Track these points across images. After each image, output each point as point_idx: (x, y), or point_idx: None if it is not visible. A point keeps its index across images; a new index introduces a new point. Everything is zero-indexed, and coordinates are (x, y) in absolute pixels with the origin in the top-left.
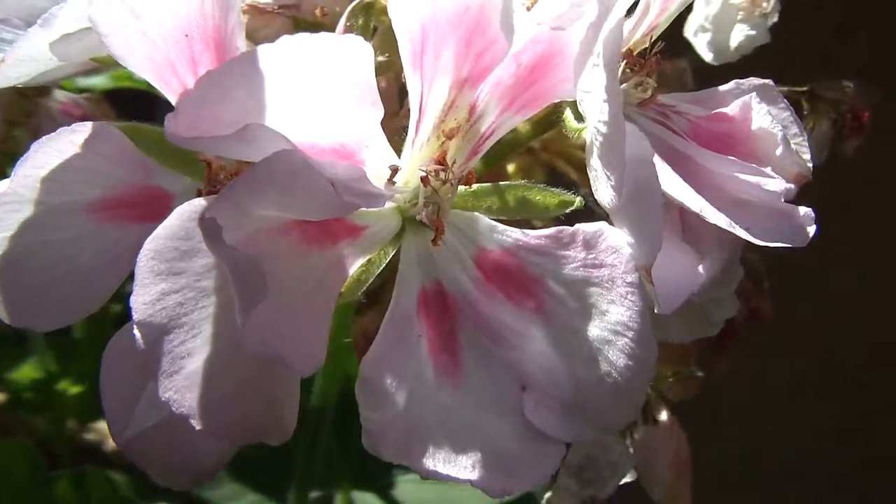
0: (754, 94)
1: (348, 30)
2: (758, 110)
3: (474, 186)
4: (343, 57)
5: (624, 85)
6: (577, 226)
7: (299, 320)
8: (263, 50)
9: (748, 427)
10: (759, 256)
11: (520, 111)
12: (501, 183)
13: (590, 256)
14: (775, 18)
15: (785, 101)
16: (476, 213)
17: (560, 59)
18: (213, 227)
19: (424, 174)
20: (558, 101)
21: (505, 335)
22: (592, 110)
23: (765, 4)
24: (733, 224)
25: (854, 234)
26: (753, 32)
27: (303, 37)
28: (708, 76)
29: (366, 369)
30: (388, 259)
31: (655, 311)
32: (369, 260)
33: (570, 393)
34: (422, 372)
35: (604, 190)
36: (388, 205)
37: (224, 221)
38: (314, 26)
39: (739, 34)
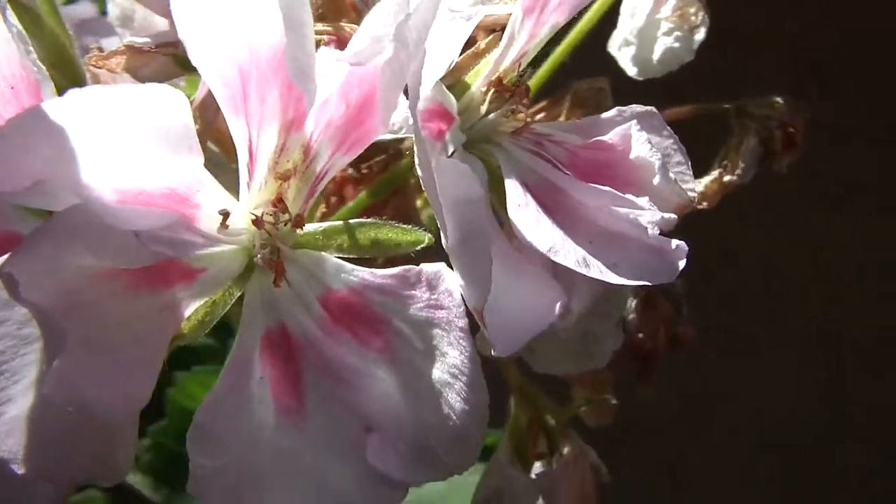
0: (634, 121)
1: None
2: (637, 138)
3: (324, 225)
4: (153, 106)
5: (492, 114)
6: (422, 265)
7: (121, 365)
8: (61, 102)
9: None
10: (680, 281)
11: (349, 150)
12: (352, 220)
13: (432, 297)
14: (702, 34)
15: (668, 128)
16: (323, 253)
17: None
18: (10, 280)
19: (255, 217)
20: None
21: (349, 376)
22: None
23: (693, 18)
24: (584, 263)
25: None
26: (677, 45)
27: (110, 88)
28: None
29: (200, 415)
30: (233, 300)
31: (492, 353)
32: (213, 301)
33: (414, 435)
34: (261, 416)
35: (441, 229)
36: (228, 247)
37: (23, 274)
38: None
39: (662, 47)
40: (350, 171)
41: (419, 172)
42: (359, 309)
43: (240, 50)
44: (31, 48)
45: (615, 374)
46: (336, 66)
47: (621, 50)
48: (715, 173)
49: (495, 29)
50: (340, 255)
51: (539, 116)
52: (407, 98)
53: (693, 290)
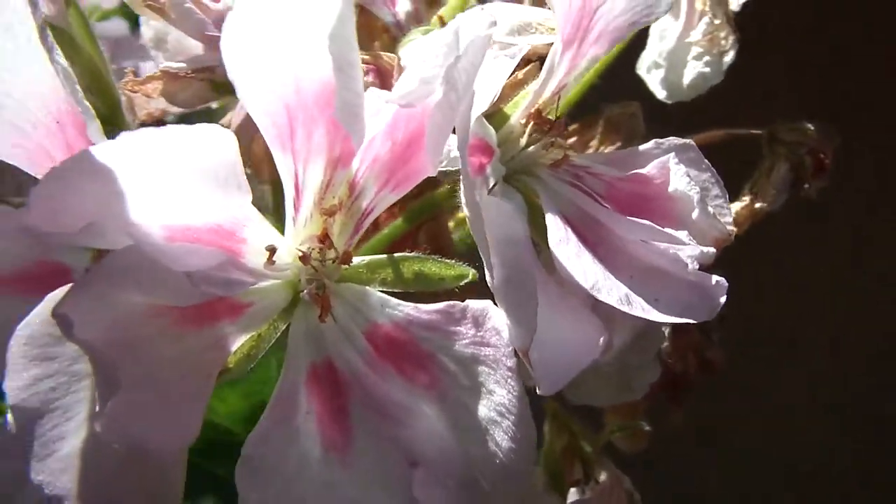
0: (673, 154)
1: None
2: (675, 171)
3: (368, 259)
4: (202, 147)
5: (532, 147)
6: (467, 302)
7: (171, 402)
8: (112, 144)
9: None
10: None
11: (396, 188)
12: (396, 255)
13: (478, 334)
14: (731, 57)
15: (705, 161)
16: (367, 288)
17: None
18: (65, 320)
19: (301, 253)
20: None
21: (395, 412)
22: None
23: (723, 42)
24: (627, 301)
25: None
26: (707, 70)
27: (160, 129)
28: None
29: (249, 447)
30: (278, 333)
31: (538, 392)
32: (258, 335)
33: (462, 469)
34: (308, 449)
35: (486, 268)
36: (274, 282)
37: (78, 313)
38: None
39: (693, 72)
40: None
41: (466, 211)
42: (404, 344)
43: (287, 88)
44: (78, 86)
45: (647, 400)
46: (384, 107)
47: (651, 72)
48: (745, 200)
49: (531, 59)
50: (385, 290)
51: (571, 140)
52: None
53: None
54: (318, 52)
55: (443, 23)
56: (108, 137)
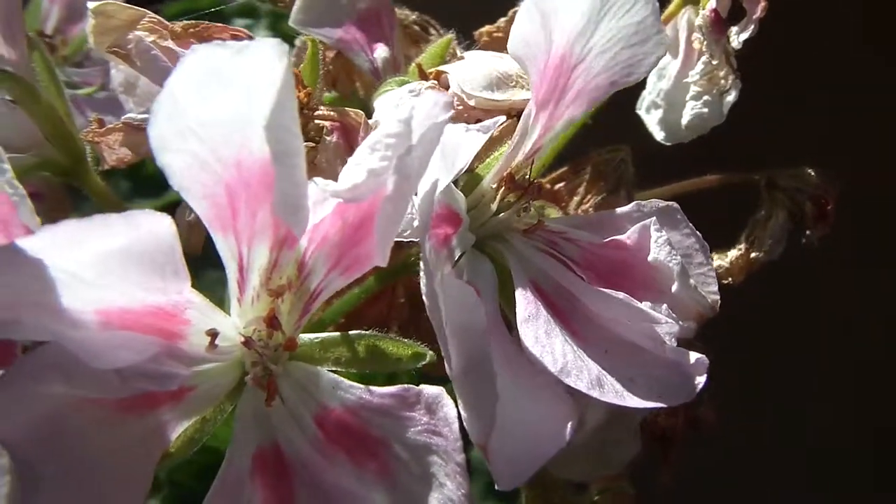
0: (654, 219)
1: None
2: (656, 239)
3: (321, 336)
4: (137, 233)
5: (502, 214)
6: (422, 386)
7: (105, 496)
8: (37, 237)
9: None
10: None
11: (346, 272)
12: (351, 332)
13: (431, 422)
14: (733, 96)
15: (689, 226)
16: (319, 368)
17: None
18: None
19: (245, 339)
20: None
21: (344, 500)
22: None
23: (723, 82)
24: (598, 384)
25: None
26: (705, 111)
27: (84, 221)
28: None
29: None
30: (224, 415)
31: (496, 487)
32: (203, 418)
33: None
34: None
35: (444, 355)
36: (219, 364)
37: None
38: None
39: (691, 112)
40: None
41: (424, 298)
42: (355, 429)
43: (229, 169)
44: (7, 166)
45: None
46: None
47: (650, 112)
48: (741, 248)
49: (510, 114)
50: (338, 370)
51: (559, 186)
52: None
53: None
54: (257, 135)
55: (421, 71)
56: (71, 187)
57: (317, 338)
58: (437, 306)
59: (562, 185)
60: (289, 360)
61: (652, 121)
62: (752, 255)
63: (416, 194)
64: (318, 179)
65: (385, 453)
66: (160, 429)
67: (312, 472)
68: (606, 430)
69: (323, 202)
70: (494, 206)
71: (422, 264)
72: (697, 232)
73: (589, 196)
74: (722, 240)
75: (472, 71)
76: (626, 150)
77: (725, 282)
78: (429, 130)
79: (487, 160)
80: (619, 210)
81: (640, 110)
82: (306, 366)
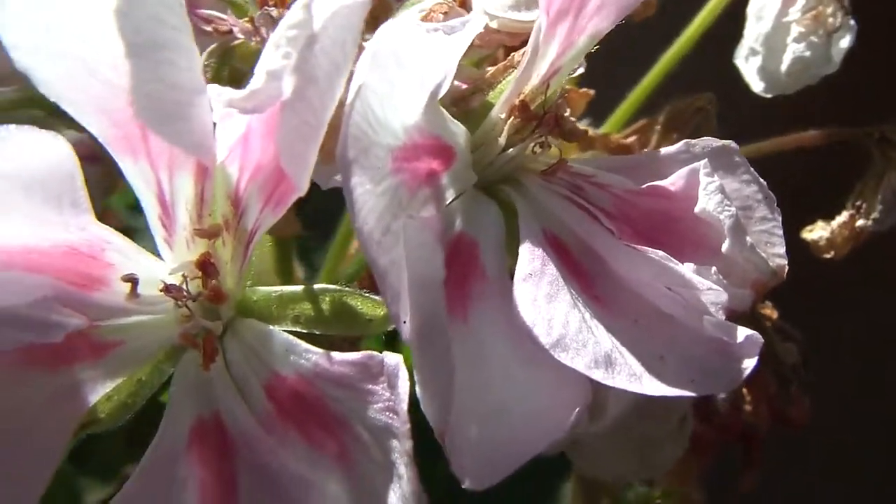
0: (705, 161)
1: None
2: (705, 185)
3: (280, 289)
4: (25, 153)
5: (511, 150)
6: (384, 354)
7: (10, 462)
8: None
9: None
10: (793, 345)
11: (277, 206)
12: (316, 286)
13: (391, 398)
14: (848, 41)
15: (750, 171)
16: (271, 328)
17: None
18: None
19: (165, 285)
20: None
21: (292, 488)
22: None
23: (831, 21)
24: (605, 363)
25: None
26: (808, 54)
27: None
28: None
29: None
30: (163, 378)
31: (463, 485)
32: (139, 380)
33: None
34: None
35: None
36: (150, 317)
37: None
38: None
39: (791, 57)
40: None
41: (363, 249)
42: (311, 402)
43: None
44: None
45: (705, 460)
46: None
47: (748, 61)
48: (845, 216)
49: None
50: (295, 331)
51: (631, 139)
52: None
53: None
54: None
55: None
56: None
57: (275, 291)
58: (370, 245)
59: (634, 139)
60: (239, 317)
61: (750, 70)
62: (859, 223)
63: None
64: (212, 87)
65: (344, 434)
66: (76, 388)
67: (258, 452)
68: (644, 423)
69: (233, 117)
70: (503, 141)
71: (349, 203)
72: (762, 180)
73: None
74: (824, 207)
75: None
76: (707, 98)
77: (828, 255)
78: (336, 15)
79: (499, 86)
80: (663, 150)
81: (738, 59)
82: (257, 324)
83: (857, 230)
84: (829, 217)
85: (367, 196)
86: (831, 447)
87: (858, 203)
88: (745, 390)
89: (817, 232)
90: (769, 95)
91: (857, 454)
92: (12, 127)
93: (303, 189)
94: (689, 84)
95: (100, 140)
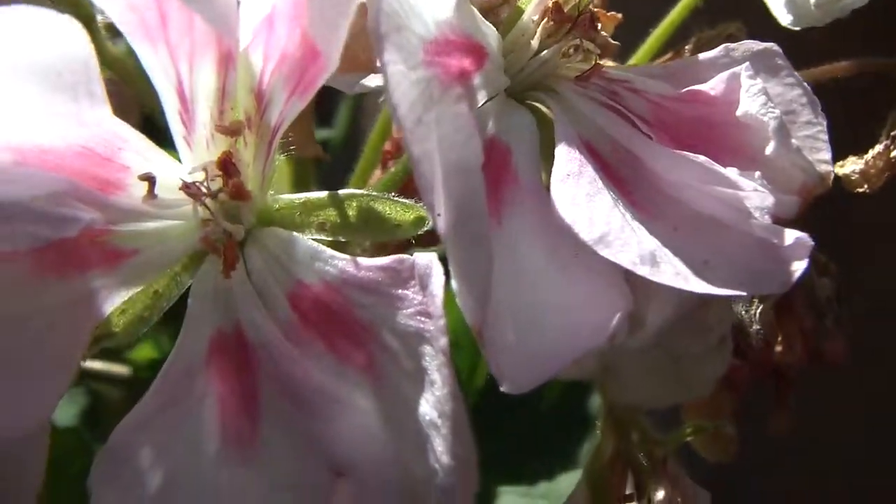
0: (746, 65)
1: None
2: (747, 87)
3: (304, 196)
4: (35, 35)
5: (545, 53)
6: (415, 255)
7: (20, 372)
8: None
9: None
10: (829, 280)
11: (304, 92)
12: (342, 192)
13: (423, 301)
14: None
15: (794, 74)
16: (295, 235)
17: None
18: None
19: (185, 184)
20: None
21: (317, 401)
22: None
23: None
24: (650, 260)
25: None
26: None
27: None
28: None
29: (118, 436)
30: (182, 290)
31: (501, 389)
32: (155, 292)
33: (396, 484)
34: (199, 443)
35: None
36: (171, 222)
37: None
38: None
39: None
40: None
41: (404, 139)
42: (337, 311)
43: None
44: None
45: (737, 396)
46: None
47: None
48: (880, 147)
49: None
50: (321, 238)
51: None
52: None
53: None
54: None
55: None
56: None
57: (298, 198)
58: (410, 128)
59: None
60: (261, 226)
61: (777, 2)
62: (894, 154)
63: None
64: None
65: (371, 343)
66: (89, 297)
67: (281, 364)
68: (682, 336)
69: None
70: (535, 44)
71: (384, 80)
72: (805, 84)
73: None
74: (857, 140)
75: None
76: (736, 26)
77: (861, 189)
78: None
79: None
80: (702, 56)
81: None
82: (280, 231)
83: (893, 161)
84: (861, 152)
85: (401, 77)
86: None
87: (893, 134)
88: (778, 326)
89: (849, 166)
90: (797, 28)
91: None
92: (21, 7)
93: (333, 63)
94: (712, 20)
95: (118, 26)
